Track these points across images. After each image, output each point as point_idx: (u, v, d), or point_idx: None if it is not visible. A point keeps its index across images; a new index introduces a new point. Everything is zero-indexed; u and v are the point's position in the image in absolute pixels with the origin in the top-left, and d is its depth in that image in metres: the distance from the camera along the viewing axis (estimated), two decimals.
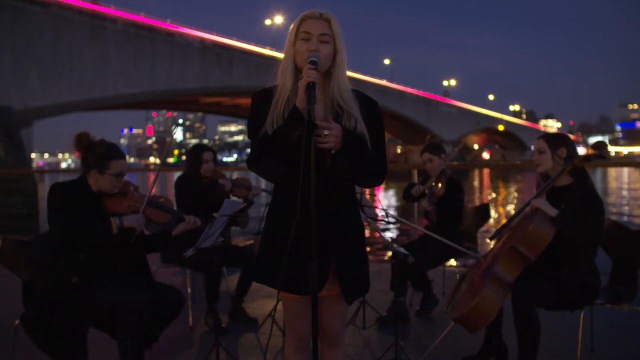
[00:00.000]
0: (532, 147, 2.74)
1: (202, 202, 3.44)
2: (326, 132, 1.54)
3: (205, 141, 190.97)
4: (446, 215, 3.59)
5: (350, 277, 1.70)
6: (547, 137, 2.67)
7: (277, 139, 1.57)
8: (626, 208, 18.28)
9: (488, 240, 2.96)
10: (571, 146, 2.61)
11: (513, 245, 2.46)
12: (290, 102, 1.61)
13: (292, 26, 1.67)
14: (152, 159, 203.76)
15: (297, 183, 1.51)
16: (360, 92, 1.73)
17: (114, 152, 2.46)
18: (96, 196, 2.49)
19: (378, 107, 1.74)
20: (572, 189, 2.55)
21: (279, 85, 1.67)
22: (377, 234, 2.83)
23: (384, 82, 55.34)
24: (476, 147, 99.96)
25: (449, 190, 3.57)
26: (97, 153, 2.44)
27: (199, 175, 3.68)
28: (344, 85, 1.66)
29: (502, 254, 2.51)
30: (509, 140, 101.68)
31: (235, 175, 4.20)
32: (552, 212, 2.47)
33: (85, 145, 2.47)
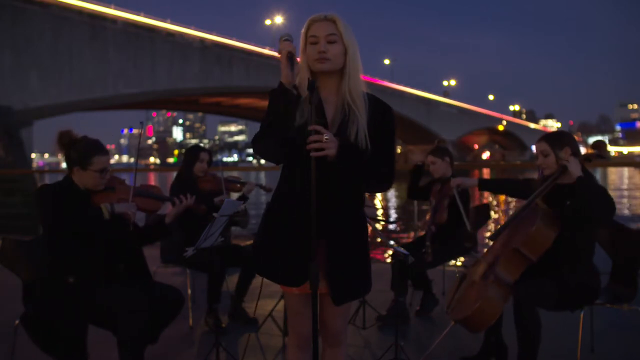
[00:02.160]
0: (534, 149, 2.73)
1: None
2: (326, 137, 1.53)
3: (205, 141, 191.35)
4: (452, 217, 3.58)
5: (342, 277, 1.69)
6: (548, 138, 2.65)
7: (274, 117, 1.61)
8: (626, 211, 18.27)
9: (487, 241, 2.96)
10: (574, 144, 2.59)
11: (515, 247, 2.46)
12: (303, 102, 1.63)
13: (301, 32, 1.69)
14: (152, 159, 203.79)
15: (297, 179, 1.52)
16: (373, 95, 1.73)
17: (96, 148, 2.42)
18: (85, 194, 2.45)
19: (390, 112, 1.73)
20: (576, 186, 2.53)
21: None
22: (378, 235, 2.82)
23: (384, 82, 55.32)
24: (476, 147, 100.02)
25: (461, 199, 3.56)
26: (79, 150, 2.41)
27: (192, 174, 3.70)
28: (356, 87, 1.67)
29: (503, 256, 2.51)
30: (509, 140, 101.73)
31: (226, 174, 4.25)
32: (577, 171, 2.42)
33: (67, 143, 2.44)
